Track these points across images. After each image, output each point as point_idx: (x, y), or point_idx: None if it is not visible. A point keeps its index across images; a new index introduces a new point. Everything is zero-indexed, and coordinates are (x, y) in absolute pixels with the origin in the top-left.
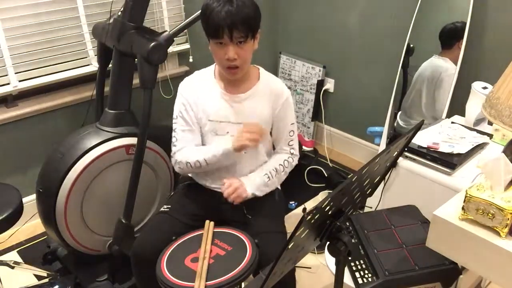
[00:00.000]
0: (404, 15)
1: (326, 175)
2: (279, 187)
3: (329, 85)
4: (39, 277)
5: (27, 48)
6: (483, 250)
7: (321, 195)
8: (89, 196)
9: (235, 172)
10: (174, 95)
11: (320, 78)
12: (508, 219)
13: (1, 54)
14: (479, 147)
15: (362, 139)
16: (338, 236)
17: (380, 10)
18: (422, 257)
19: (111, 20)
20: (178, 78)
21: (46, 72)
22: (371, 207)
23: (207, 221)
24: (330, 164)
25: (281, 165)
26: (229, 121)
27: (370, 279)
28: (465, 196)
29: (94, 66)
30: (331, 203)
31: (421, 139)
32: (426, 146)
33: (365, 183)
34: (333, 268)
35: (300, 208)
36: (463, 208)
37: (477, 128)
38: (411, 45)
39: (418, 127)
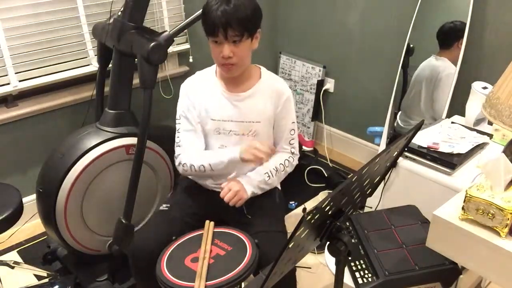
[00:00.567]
0: (404, 15)
1: (326, 175)
2: (279, 187)
3: (329, 85)
4: (39, 277)
5: (27, 48)
6: (483, 250)
7: (321, 195)
8: (89, 196)
9: (237, 171)
10: (174, 95)
11: (320, 78)
12: (508, 219)
13: (1, 54)
14: (479, 147)
15: (362, 139)
16: (338, 236)
17: (380, 10)
18: (422, 257)
19: (111, 20)
20: (178, 78)
21: (46, 72)
22: (371, 207)
23: (207, 221)
24: (330, 164)
25: (282, 164)
26: (231, 120)
27: (370, 279)
28: (465, 196)
29: (94, 66)
30: (331, 203)
31: (421, 139)
32: (426, 146)
33: (365, 183)
34: (333, 268)
35: (300, 208)
36: (463, 208)
37: (477, 128)
38: (411, 45)
39: (418, 127)
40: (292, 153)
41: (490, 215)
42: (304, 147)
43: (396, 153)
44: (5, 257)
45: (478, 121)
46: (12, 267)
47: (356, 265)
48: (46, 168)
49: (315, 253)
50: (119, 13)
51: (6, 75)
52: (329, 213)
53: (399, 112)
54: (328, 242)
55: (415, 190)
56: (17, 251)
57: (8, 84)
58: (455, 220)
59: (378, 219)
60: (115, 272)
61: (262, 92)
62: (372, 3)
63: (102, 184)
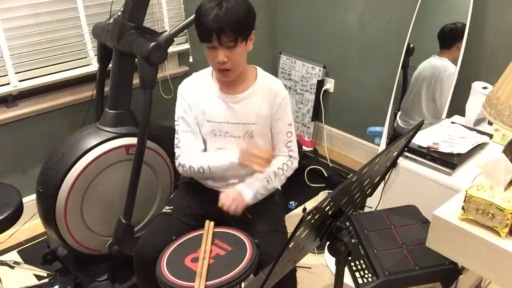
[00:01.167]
0: (404, 15)
1: (326, 175)
2: (279, 187)
3: (329, 85)
4: (39, 277)
5: (27, 48)
6: (483, 250)
7: (321, 195)
8: (89, 196)
9: (237, 172)
10: (174, 95)
11: (320, 78)
12: (508, 219)
13: (1, 54)
14: (479, 147)
15: (362, 139)
16: (338, 236)
17: (380, 10)
18: (422, 257)
19: (111, 20)
20: (178, 78)
21: (46, 72)
22: (371, 207)
23: (207, 221)
24: (330, 164)
25: (280, 168)
26: (227, 122)
27: (370, 279)
28: (465, 196)
29: (94, 66)
30: (331, 203)
31: (421, 139)
32: (426, 146)
33: (365, 183)
34: (333, 268)
35: (300, 208)
36: (463, 208)
37: (477, 128)
38: (411, 45)
39: (418, 127)
40: (290, 156)
41: (490, 215)
42: (304, 147)
43: (396, 153)
44: (5, 257)
45: (478, 121)
46: (12, 267)
47: (356, 265)
48: (46, 168)
49: (315, 253)
50: (119, 13)
51: (6, 75)
52: (329, 213)
53: (399, 112)
54: (328, 242)
55: (415, 190)
56: (17, 251)
57: (8, 84)
58: (455, 220)
59: (378, 219)
60: (115, 272)
61: (258, 93)
62: (372, 3)
63: (102, 184)
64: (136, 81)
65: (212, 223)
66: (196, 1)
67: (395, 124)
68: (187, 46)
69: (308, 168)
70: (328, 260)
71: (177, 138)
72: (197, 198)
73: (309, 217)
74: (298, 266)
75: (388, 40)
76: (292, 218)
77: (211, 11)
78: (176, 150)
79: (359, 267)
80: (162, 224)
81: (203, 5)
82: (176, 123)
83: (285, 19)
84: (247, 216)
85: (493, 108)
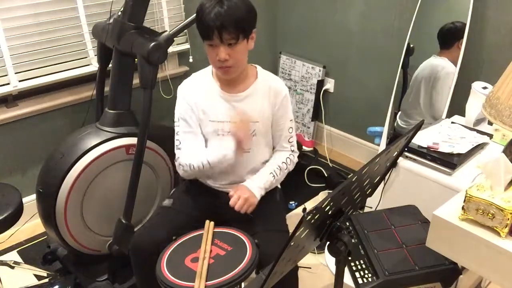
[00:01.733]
0: (404, 15)
1: (326, 175)
2: (279, 187)
3: (329, 85)
4: (39, 277)
5: (27, 48)
6: (483, 250)
7: (321, 195)
8: (89, 196)
9: (237, 172)
10: (174, 95)
11: (320, 78)
12: (508, 219)
13: (1, 54)
14: (479, 147)
15: (362, 139)
16: (338, 236)
17: (380, 10)
18: (422, 257)
19: (111, 20)
20: (178, 78)
21: (46, 72)
22: (371, 207)
23: (207, 221)
24: (330, 164)
25: (284, 162)
26: (229, 121)
27: (370, 279)
28: (465, 196)
29: (94, 66)
30: (331, 203)
31: (421, 139)
32: (426, 146)
33: (365, 183)
34: (333, 268)
35: (300, 208)
36: (463, 208)
37: (477, 128)
38: (411, 45)
39: (418, 127)
40: (292, 151)
41: (490, 215)
42: (304, 147)
43: (396, 153)
44: (5, 257)
45: (478, 121)
46: (12, 267)
47: (356, 265)
48: (46, 168)
49: (315, 253)
50: (119, 13)
51: (6, 75)
52: (329, 213)
53: (399, 112)
54: (328, 242)
55: (415, 190)
56: (17, 251)
57: (8, 84)
58: (455, 220)
59: (378, 219)
60: (115, 272)
61: (260, 92)
62: (372, 3)
63: (102, 184)
64: (136, 81)
65: (212, 223)
66: (196, 1)
67: (395, 124)
68: (187, 46)
69: (308, 168)
70: (328, 260)
71: (177, 139)
72: (198, 196)
73: (309, 217)
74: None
75: (388, 40)
76: (292, 218)
77: (212, 9)
78: (176, 151)
79: (359, 267)
80: (161, 217)
81: (204, 3)
82: (176, 124)
83: (285, 19)
84: (248, 215)
85: (493, 108)
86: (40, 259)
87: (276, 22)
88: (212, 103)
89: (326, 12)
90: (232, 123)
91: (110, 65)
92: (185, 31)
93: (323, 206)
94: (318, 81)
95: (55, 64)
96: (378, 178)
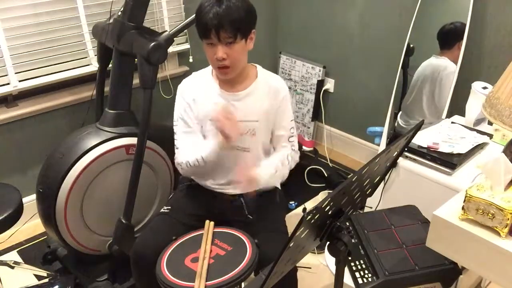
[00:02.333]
0: (404, 15)
1: (326, 175)
2: (279, 187)
3: (329, 85)
4: (39, 277)
5: (27, 48)
6: (483, 250)
7: (321, 195)
8: (89, 196)
9: (236, 171)
10: (174, 95)
11: (320, 78)
12: (508, 219)
13: (1, 54)
14: (479, 147)
15: (362, 139)
16: (338, 236)
17: (380, 10)
18: (422, 257)
19: (111, 20)
20: (178, 78)
21: (46, 72)
22: (371, 207)
23: (207, 221)
24: (330, 164)
25: (286, 158)
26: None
27: (370, 279)
28: (465, 196)
29: (94, 66)
30: (331, 203)
31: (421, 139)
32: (426, 146)
33: (365, 183)
34: (333, 268)
35: (300, 208)
36: (463, 208)
37: (477, 128)
38: (411, 45)
39: (418, 127)
40: (293, 150)
41: (490, 215)
42: (304, 147)
43: (396, 153)
44: (5, 257)
45: (478, 121)
46: (12, 267)
47: (356, 265)
48: (46, 168)
49: (315, 253)
50: (119, 13)
51: (6, 75)
52: (329, 213)
53: (400, 112)
54: (328, 242)
55: (415, 190)
56: (17, 251)
57: (8, 84)
58: (455, 220)
59: (378, 219)
60: (115, 272)
61: (259, 91)
62: (372, 3)
63: (102, 184)
64: (136, 81)
65: (212, 223)
66: (196, 1)
67: (395, 124)
68: (187, 46)
69: (308, 168)
70: (328, 260)
71: (176, 139)
72: (196, 198)
73: (309, 217)
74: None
75: (388, 40)
76: (292, 218)
77: (211, 8)
78: (176, 151)
79: (359, 267)
80: (160, 224)
81: (203, 3)
82: (175, 123)
83: (285, 19)
84: (248, 216)
85: (493, 108)
86: (40, 259)
87: (276, 22)
88: (212, 102)
89: (326, 12)
90: (216, 119)
91: (110, 65)
92: (185, 31)
93: (323, 206)
94: (318, 81)
95: (55, 64)
96: (378, 178)
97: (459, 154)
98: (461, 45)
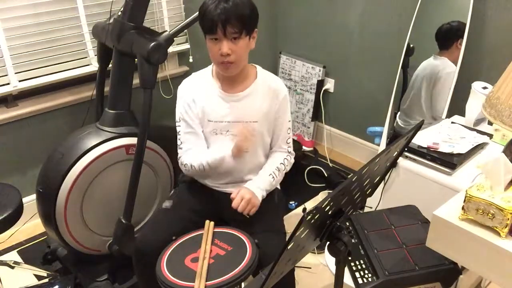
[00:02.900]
0: (404, 15)
1: (326, 175)
2: (279, 187)
3: (329, 85)
4: (39, 277)
5: (27, 48)
6: (483, 250)
7: (321, 195)
8: (89, 196)
9: (235, 172)
10: (174, 95)
11: (320, 78)
12: (508, 219)
13: (1, 54)
14: (479, 147)
15: (362, 139)
16: (338, 236)
17: (380, 10)
18: (422, 257)
19: (111, 20)
20: (178, 78)
21: (46, 72)
22: (371, 207)
23: (207, 221)
24: (330, 164)
25: (282, 163)
26: (228, 121)
27: (370, 279)
28: (465, 196)
29: (94, 66)
30: (331, 203)
31: (421, 139)
32: (426, 146)
33: (365, 183)
34: (333, 268)
35: (300, 208)
36: (463, 208)
37: (477, 128)
38: (411, 45)
39: (418, 127)
40: (289, 152)
41: (490, 215)
42: (304, 147)
43: (396, 153)
44: (5, 257)
45: (478, 121)
46: (12, 267)
47: (356, 265)
48: (46, 168)
49: (315, 253)
50: (119, 13)
51: (6, 75)
52: (329, 213)
53: (399, 112)
54: (328, 242)
55: (415, 190)
56: (17, 251)
57: (8, 84)
58: (455, 220)
59: (378, 219)
60: (115, 272)
61: (259, 92)
62: (372, 3)
63: (102, 184)
64: (136, 81)
65: (212, 223)
66: (196, 1)
67: (395, 124)
68: (187, 46)
69: (308, 168)
70: (328, 260)
71: (179, 139)
72: (197, 196)
73: (309, 217)
74: (298, 266)
75: (388, 40)
76: (292, 218)
77: (218, 4)
78: (178, 151)
79: (359, 267)
80: (162, 219)
81: (207, 1)
82: (177, 124)
83: (285, 19)
84: (247, 216)
85: (493, 108)
86: (40, 259)
87: (276, 22)
88: (212, 102)
89: (326, 12)
90: (235, 135)
91: (110, 65)
92: (185, 31)
93: (323, 206)
94: (318, 81)
95: (55, 64)
96: (378, 178)
97: (459, 154)
98: (459, 45)
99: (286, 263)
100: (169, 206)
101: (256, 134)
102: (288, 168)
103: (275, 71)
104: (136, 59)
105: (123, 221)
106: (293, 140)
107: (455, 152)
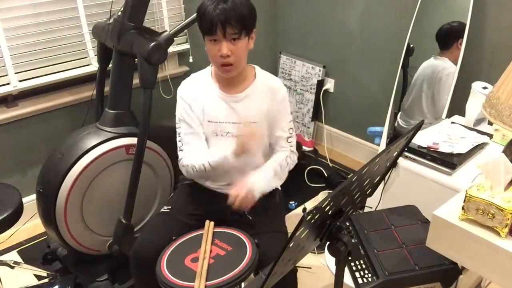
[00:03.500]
0: (404, 15)
1: (326, 175)
2: (279, 187)
3: (329, 85)
4: (39, 277)
5: (27, 48)
6: (483, 250)
7: (321, 195)
8: (89, 196)
9: (235, 173)
10: (174, 95)
11: (320, 78)
12: (508, 219)
13: (1, 54)
14: (479, 147)
15: (362, 139)
16: (338, 236)
17: (380, 10)
18: (422, 257)
19: (111, 20)
20: (178, 78)
21: (46, 72)
22: (371, 207)
23: (207, 221)
24: (330, 164)
25: (284, 160)
26: (228, 122)
27: (370, 279)
28: (465, 196)
29: (94, 66)
30: (331, 203)
31: (421, 139)
32: (426, 146)
33: (365, 183)
34: (333, 268)
35: (300, 208)
36: (463, 208)
37: (477, 128)
38: (411, 45)
39: (418, 127)
40: (291, 151)
41: (490, 215)
42: (304, 147)
43: (396, 153)
44: (5, 257)
45: (478, 121)
46: (12, 267)
47: (356, 265)
48: (46, 168)
49: (315, 253)
50: (119, 13)
51: (6, 75)
52: (329, 213)
53: (399, 112)
54: (328, 242)
55: (415, 190)
56: (17, 251)
57: (8, 84)
58: (455, 220)
59: (378, 219)
60: (115, 272)
61: (258, 92)
62: (372, 3)
63: (102, 184)
64: (136, 81)
65: (212, 223)
66: (196, 1)
67: (395, 124)
68: (187, 46)
69: (308, 168)
70: (328, 260)
71: (179, 141)
72: (196, 198)
73: (309, 217)
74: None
75: (388, 40)
76: (292, 218)
77: (217, 5)
78: (179, 153)
79: (359, 267)
80: (160, 224)
81: (205, 2)
82: (177, 125)
83: (285, 19)
84: (247, 217)
85: (493, 108)
86: (40, 259)
87: (276, 22)
88: (211, 103)
89: (326, 12)
90: (235, 136)
91: (110, 65)
92: (185, 31)
93: (323, 206)
94: (318, 81)
95: (55, 64)
96: (378, 178)
97: (459, 154)
98: (459, 45)
99: (286, 263)
100: (168, 210)
101: (260, 135)
102: (291, 167)
103: (275, 71)
104: (136, 59)
105: (123, 221)
106: None
107: (455, 152)
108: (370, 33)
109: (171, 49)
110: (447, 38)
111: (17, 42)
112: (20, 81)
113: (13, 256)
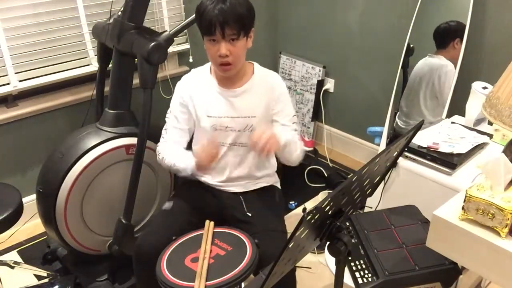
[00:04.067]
0: (404, 15)
1: (326, 175)
2: (279, 187)
3: (329, 85)
4: (39, 277)
5: (27, 48)
6: (483, 250)
7: (321, 195)
8: (89, 196)
9: (233, 168)
10: None
11: (320, 78)
12: (508, 219)
13: (1, 54)
14: (479, 147)
15: (362, 139)
16: (338, 236)
17: (380, 10)
18: (422, 257)
19: (111, 20)
20: (178, 78)
21: (46, 72)
22: (371, 207)
23: (207, 221)
24: (330, 164)
25: (296, 137)
26: (227, 116)
27: (370, 279)
28: (465, 196)
29: (94, 66)
30: (331, 203)
31: (421, 139)
32: (426, 146)
33: (365, 183)
34: (333, 268)
35: (300, 208)
36: (463, 208)
37: (477, 128)
38: (411, 45)
39: (418, 127)
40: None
41: (490, 215)
42: (304, 147)
43: (396, 153)
44: (5, 257)
45: (478, 121)
46: (12, 267)
47: (356, 265)
48: (46, 168)
49: (315, 253)
50: (119, 13)
51: (6, 75)
52: (329, 213)
53: (399, 112)
54: (328, 242)
55: (415, 190)
56: (17, 251)
57: (8, 84)
58: (455, 220)
59: (378, 219)
60: (115, 272)
61: (257, 87)
62: (372, 3)
63: (102, 184)
64: (136, 81)
65: (212, 223)
66: (196, 1)
67: (395, 124)
68: (187, 46)
69: (308, 168)
70: (328, 260)
71: (165, 129)
72: (197, 195)
73: (309, 217)
74: (298, 266)
75: (388, 40)
76: (292, 218)
77: (216, 5)
78: (161, 139)
79: (359, 267)
80: (162, 221)
81: (204, 2)
82: (167, 115)
83: (285, 19)
84: (247, 214)
85: (493, 108)
86: (40, 259)
87: (276, 22)
88: (210, 98)
89: (326, 12)
90: (235, 130)
91: (110, 65)
92: (185, 31)
93: (323, 206)
94: (318, 81)
95: (55, 64)
96: (378, 178)
97: (459, 154)
98: (456, 44)
99: (286, 263)
100: (169, 207)
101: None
102: (301, 148)
103: (275, 71)
104: (136, 59)
105: (123, 221)
106: None
107: (455, 152)
108: (370, 33)
109: (171, 49)
110: (444, 37)
111: (17, 42)
112: (20, 81)
113: (13, 256)
